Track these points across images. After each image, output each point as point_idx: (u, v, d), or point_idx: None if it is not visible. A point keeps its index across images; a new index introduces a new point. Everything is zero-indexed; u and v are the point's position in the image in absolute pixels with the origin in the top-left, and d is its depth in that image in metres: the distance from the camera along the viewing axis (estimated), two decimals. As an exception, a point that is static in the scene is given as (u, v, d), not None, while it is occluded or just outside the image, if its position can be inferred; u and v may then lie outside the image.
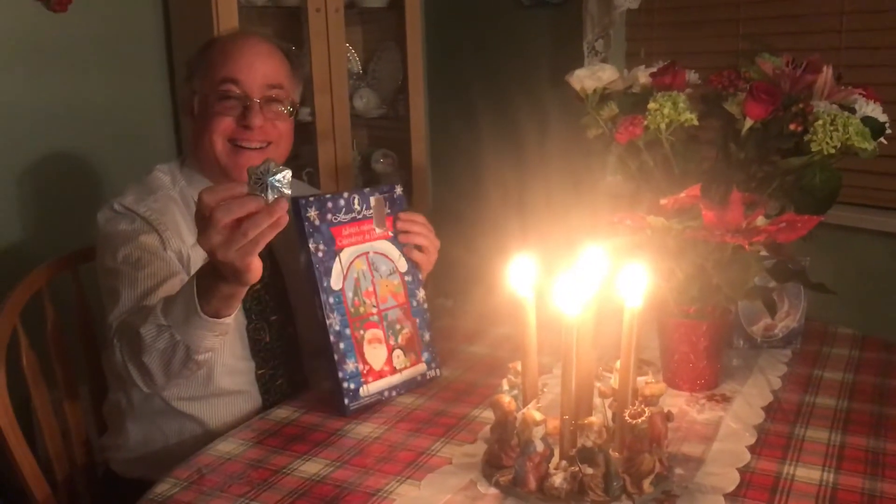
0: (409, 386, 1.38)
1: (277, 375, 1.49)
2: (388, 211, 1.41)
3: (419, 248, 1.43)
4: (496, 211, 2.79)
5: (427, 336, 1.42)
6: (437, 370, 1.42)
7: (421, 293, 1.44)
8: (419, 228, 1.43)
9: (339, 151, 2.73)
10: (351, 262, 1.35)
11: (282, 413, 1.33)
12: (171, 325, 1.18)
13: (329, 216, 1.33)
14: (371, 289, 1.37)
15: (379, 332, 1.36)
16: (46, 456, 1.50)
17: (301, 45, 2.81)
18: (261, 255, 1.06)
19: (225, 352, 1.41)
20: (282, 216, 1.01)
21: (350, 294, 1.34)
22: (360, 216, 1.38)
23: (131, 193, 1.45)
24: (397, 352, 1.37)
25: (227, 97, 1.43)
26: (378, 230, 1.39)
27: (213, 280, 1.10)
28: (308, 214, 1.30)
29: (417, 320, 1.41)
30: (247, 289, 1.13)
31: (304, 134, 2.86)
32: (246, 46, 1.45)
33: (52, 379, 1.53)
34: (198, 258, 1.40)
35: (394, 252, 1.42)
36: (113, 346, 1.28)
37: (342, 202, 1.35)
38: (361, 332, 1.34)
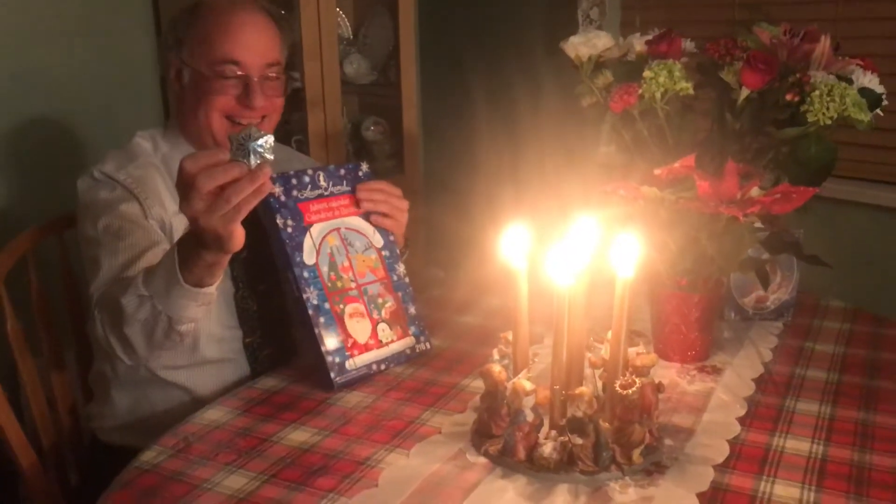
0: (399, 360, 1.36)
1: (266, 344, 1.48)
2: (350, 188, 1.41)
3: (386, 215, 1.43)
4: (488, 179, 2.77)
5: (412, 309, 1.41)
6: (427, 343, 1.41)
7: (401, 267, 1.42)
8: (379, 196, 1.41)
9: (328, 119, 2.70)
10: (323, 238, 1.34)
11: (269, 382, 1.32)
12: (153, 295, 1.16)
13: (294, 192, 1.33)
14: (347, 264, 1.36)
15: (360, 307, 1.34)
16: (32, 423, 1.49)
17: (291, 10, 2.76)
18: (246, 222, 1.05)
19: (212, 320, 1.40)
20: (265, 182, 1.01)
21: (325, 269, 1.32)
22: (328, 192, 1.37)
23: (111, 160, 1.42)
24: (382, 325, 1.35)
25: (226, 76, 1.40)
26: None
27: (195, 249, 1.09)
28: (272, 191, 1.29)
29: (400, 294, 1.40)
30: (229, 257, 1.12)
31: (293, 101, 2.82)
32: (245, 23, 1.41)
33: (38, 346, 1.51)
34: (180, 226, 1.38)
35: (367, 228, 1.41)
36: (94, 318, 1.26)
37: (307, 179, 1.35)
38: (341, 306, 1.32)
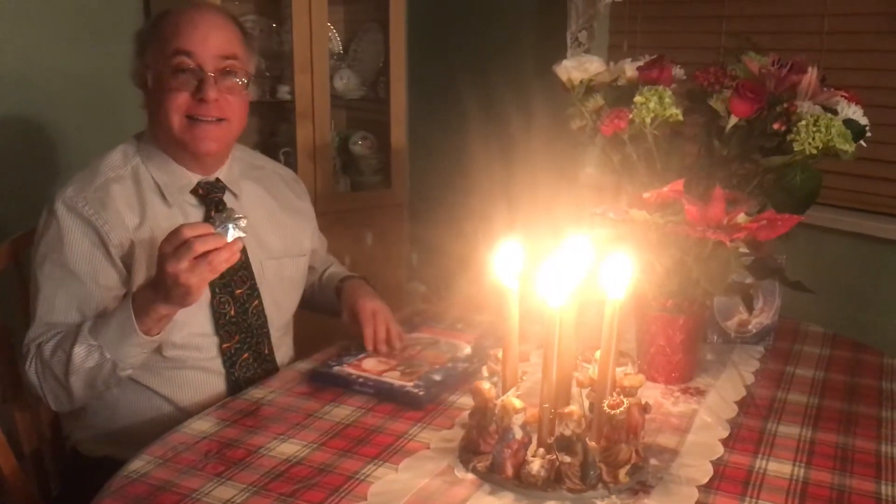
0: (383, 392, 1.32)
1: (243, 349, 1.48)
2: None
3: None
4: (475, 196, 2.79)
5: (438, 377, 1.36)
6: (421, 391, 1.31)
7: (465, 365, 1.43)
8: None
9: (317, 132, 2.71)
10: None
11: (258, 393, 1.33)
12: (102, 344, 1.28)
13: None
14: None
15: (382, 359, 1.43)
16: (15, 430, 1.48)
17: (282, 23, 2.78)
18: None
19: (188, 328, 1.40)
20: (237, 252, 1.23)
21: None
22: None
23: (74, 182, 1.42)
24: (391, 373, 1.37)
25: (180, 71, 1.41)
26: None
27: (151, 303, 1.26)
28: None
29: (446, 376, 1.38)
30: (178, 311, 1.29)
31: (283, 113, 2.83)
32: (198, 18, 1.43)
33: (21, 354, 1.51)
34: (142, 240, 1.40)
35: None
36: (27, 367, 1.34)
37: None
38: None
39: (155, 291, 1.24)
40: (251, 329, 1.49)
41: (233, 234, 1.23)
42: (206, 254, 1.19)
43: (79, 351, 1.28)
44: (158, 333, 1.30)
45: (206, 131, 1.42)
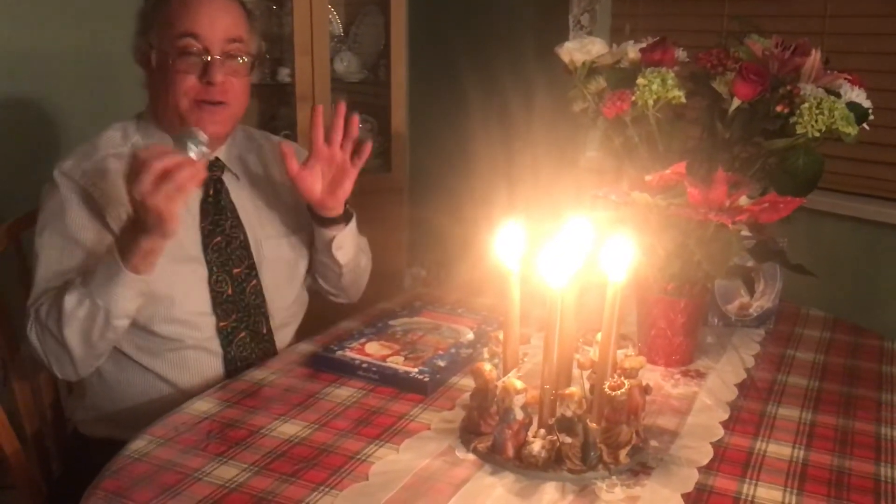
0: (388, 378, 1.30)
1: (240, 328, 1.48)
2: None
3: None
4: (475, 180, 2.78)
5: (443, 363, 1.34)
6: (427, 377, 1.29)
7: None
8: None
9: (317, 115, 2.70)
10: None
11: (258, 374, 1.33)
12: (92, 291, 1.27)
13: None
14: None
15: (386, 342, 1.42)
16: (17, 412, 1.48)
17: (282, 5, 2.77)
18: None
19: (185, 307, 1.41)
20: (202, 169, 1.22)
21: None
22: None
23: (73, 156, 1.43)
24: (395, 358, 1.36)
25: (186, 53, 1.40)
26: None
27: (133, 237, 1.24)
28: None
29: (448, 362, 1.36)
30: (164, 246, 1.27)
31: (283, 96, 2.83)
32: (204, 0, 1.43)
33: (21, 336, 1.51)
34: None
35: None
36: (28, 332, 1.33)
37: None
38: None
39: (133, 226, 1.23)
40: (249, 308, 1.49)
41: (193, 149, 1.21)
42: (170, 174, 1.17)
43: (69, 299, 1.27)
44: (147, 272, 1.27)
45: (213, 114, 1.43)
